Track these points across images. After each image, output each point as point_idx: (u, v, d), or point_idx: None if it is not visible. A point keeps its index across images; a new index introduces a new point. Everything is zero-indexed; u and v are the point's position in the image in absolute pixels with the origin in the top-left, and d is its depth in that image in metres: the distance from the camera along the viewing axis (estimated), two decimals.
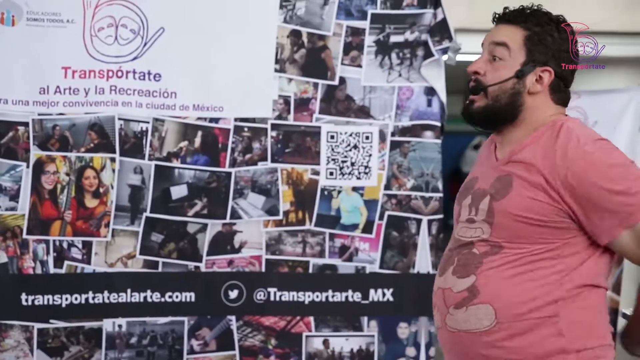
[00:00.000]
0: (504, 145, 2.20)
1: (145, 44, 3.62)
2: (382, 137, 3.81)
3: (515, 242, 2.08)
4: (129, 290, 3.65)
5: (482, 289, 2.08)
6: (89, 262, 3.63)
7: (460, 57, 4.01)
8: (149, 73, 3.63)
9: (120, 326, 3.65)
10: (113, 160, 3.61)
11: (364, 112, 3.81)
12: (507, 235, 2.09)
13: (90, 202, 3.62)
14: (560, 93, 2.19)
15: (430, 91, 3.84)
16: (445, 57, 3.83)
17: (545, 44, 2.15)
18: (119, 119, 3.62)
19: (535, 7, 2.21)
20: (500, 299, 2.06)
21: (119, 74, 3.59)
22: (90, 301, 3.62)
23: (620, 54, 7.89)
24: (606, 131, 4.68)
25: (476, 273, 2.10)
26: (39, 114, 3.57)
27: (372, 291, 3.82)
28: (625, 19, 7.48)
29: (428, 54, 3.79)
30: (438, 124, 3.86)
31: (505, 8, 2.22)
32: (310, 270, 3.79)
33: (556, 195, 2.05)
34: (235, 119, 3.71)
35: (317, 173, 3.78)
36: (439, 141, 3.87)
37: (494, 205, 2.11)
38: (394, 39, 3.80)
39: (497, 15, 2.23)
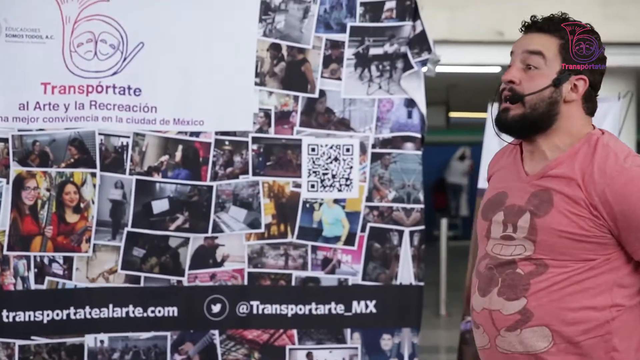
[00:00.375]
0: (535, 156, 2.20)
1: (125, 59, 3.62)
2: (363, 149, 3.83)
3: (559, 260, 2.10)
4: (110, 306, 3.64)
5: (535, 312, 2.10)
6: (70, 278, 3.61)
7: (439, 69, 4.04)
8: (129, 88, 3.63)
9: (102, 342, 3.63)
10: (94, 175, 3.60)
11: (344, 125, 3.82)
12: (552, 252, 2.10)
13: (71, 218, 3.61)
14: (591, 102, 2.21)
15: (410, 103, 3.86)
16: (424, 69, 3.85)
17: (579, 52, 2.17)
18: (99, 134, 3.61)
19: (565, 15, 2.23)
20: (554, 320, 2.09)
21: (99, 89, 3.59)
22: (72, 317, 3.60)
23: None
24: None
25: (526, 296, 2.10)
26: (19, 130, 3.56)
27: (355, 303, 3.82)
28: (602, 30, 7.56)
29: (407, 66, 3.81)
30: (418, 135, 3.88)
31: (534, 17, 2.23)
32: (293, 283, 3.79)
33: (595, 211, 2.08)
34: (216, 133, 3.71)
35: (298, 186, 3.79)
36: (419, 152, 3.88)
37: (536, 222, 2.11)
38: (373, 51, 3.82)
39: (526, 24, 2.23)
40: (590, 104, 2.21)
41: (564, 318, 2.09)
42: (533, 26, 2.21)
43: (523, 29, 2.24)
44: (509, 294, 2.12)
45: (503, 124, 2.19)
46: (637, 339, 2.12)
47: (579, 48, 2.16)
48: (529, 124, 2.16)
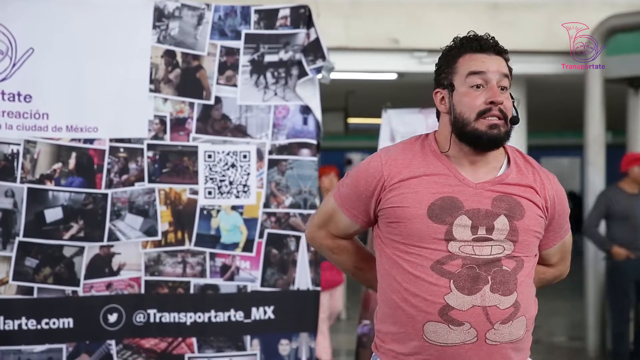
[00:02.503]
0: (477, 166, 2.38)
1: (14, 65, 3.55)
2: (260, 155, 3.84)
3: (530, 256, 2.39)
4: (1, 318, 3.55)
5: (522, 303, 2.34)
6: None
7: (335, 75, 4.08)
8: (19, 94, 3.56)
9: None
10: None
11: (240, 131, 3.83)
12: (527, 250, 2.38)
13: None
14: None
15: (305, 110, 3.89)
16: (319, 76, 3.89)
17: (511, 71, 2.42)
18: None
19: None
20: (529, 309, 2.38)
21: None
22: None
23: None
24: None
25: (516, 290, 2.33)
26: None
27: (254, 309, 3.83)
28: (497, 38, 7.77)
29: (302, 73, 3.85)
30: (314, 141, 3.92)
31: (487, 34, 2.39)
32: (192, 291, 3.77)
33: (546, 212, 2.42)
34: (111, 140, 3.67)
35: (195, 192, 3.77)
36: (315, 159, 3.92)
37: (517, 225, 2.34)
38: (268, 58, 3.84)
39: (483, 44, 2.38)
40: None
41: (532, 306, 2.40)
42: (493, 48, 2.38)
43: (478, 46, 2.37)
44: (504, 290, 2.31)
45: (500, 141, 2.36)
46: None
47: (510, 70, 2.41)
48: (506, 140, 2.39)
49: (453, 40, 2.43)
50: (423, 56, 7.70)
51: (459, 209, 2.33)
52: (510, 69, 2.39)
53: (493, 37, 2.40)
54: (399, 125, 4.92)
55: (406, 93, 9.84)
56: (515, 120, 2.35)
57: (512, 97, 2.38)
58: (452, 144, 2.38)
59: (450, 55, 2.40)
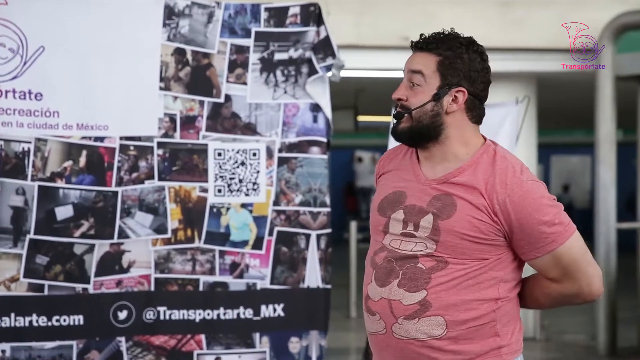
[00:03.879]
0: (433, 162, 2.39)
1: (25, 63, 3.56)
2: (270, 153, 3.85)
3: (459, 258, 2.32)
4: (12, 315, 3.56)
5: (434, 303, 2.31)
6: None
7: (345, 73, 4.08)
8: (30, 92, 3.57)
9: (3, 352, 3.56)
10: None
11: (250, 129, 3.83)
12: (453, 252, 2.32)
13: None
14: (476, 110, 2.39)
15: (315, 107, 3.89)
16: (329, 74, 3.89)
17: (456, 66, 2.35)
18: None
19: (447, 32, 2.39)
20: (450, 311, 2.32)
21: None
22: None
23: (498, 69, 8.14)
24: None
25: (427, 288, 2.31)
26: None
27: (263, 307, 3.84)
28: (502, 36, 7.76)
29: (312, 71, 3.85)
30: (324, 139, 3.92)
31: (422, 35, 2.39)
32: (201, 288, 3.78)
33: (495, 217, 2.32)
34: (121, 138, 3.68)
35: (205, 190, 3.78)
36: (325, 157, 3.92)
37: (439, 224, 2.32)
38: (278, 56, 3.85)
39: (412, 43, 2.40)
40: (475, 112, 2.40)
41: (458, 309, 2.32)
42: (416, 46, 2.39)
43: (412, 47, 2.40)
44: (410, 286, 2.31)
45: (396, 135, 2.39)
46: (513, 325, 2.39)
47: (455, 62, 2.35)
48: (416, 135, 2.36)
49: None
50: None
51: (400, 204, 2.38)
52: (440, 62, 2.33)
53: (436, 33, 2.39)
54: None
55: None
56: (396, 116, 2.37)
57: (436, 95, 2.33)
58: None
59: None
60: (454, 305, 2.32)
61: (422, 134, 2.35)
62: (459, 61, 2.35)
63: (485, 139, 2.44)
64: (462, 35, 2.40)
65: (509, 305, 2.37)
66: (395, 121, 2.39)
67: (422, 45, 2.36)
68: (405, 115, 2.35)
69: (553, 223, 2.31)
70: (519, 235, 2.32)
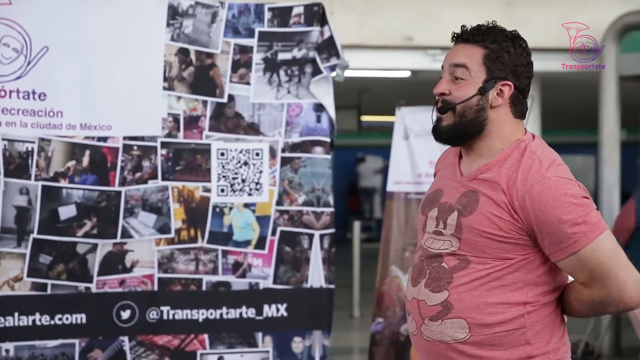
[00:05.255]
0: (471, 158, 2.32)
1: (29, 63, 3.56)
2: (273, 153, 3.85)
3: (480, 257, 2.22)
4: (16, 314, 3.57)
5: (455, 305, 2.22)
6: None
7: (351, 73, 4.08)
8: (34, 92, 3.57)
9: (7, 351, 3.56)
10: None
11: (253, 129, 3.83)
12: (474, 250, 2.23)
13: None
14: (520, 105, 2.31)
15: (319, 107, 3.89)
16: (333, 74, 3.89)
17: (503, 60, 2.27)
18: (3, 139, 3.55)
19: (492, 25, 2.31)
20: (472, 313, 2.21)
21: (2, 93, 3.53)
22: None
23: None
24: None
25: (448, 289, 2.23)
26: None
27: (266, 307, 3.84)
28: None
29: (316, 71, 3.85)
30: (327, 139, 3.92)
31: (463, 26, 2.31)
32: (204, 288, 3.79)
33: (516, 214, 2.20)
34: (124, 138, 3.68)
35: (208, 190, 3.79)
36: (328, 156, 3.92)
37: (462, 221, 2.24)
38: (281, 56, 3.85)
39: (455, 35, 2.32)
40: (518, 107, 2.31)
41: (481, 312, 2.21)
42: (460, 37, 2.30)
43: (453, 39, 2.32)
44: (434, 286, 2.25)
45: (437, 133, 2.31)
46: (549, 333, 2.24)
47: (502, 56, 2.27)
48: (460, 131, 2.28)
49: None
50: (437, 54, 7.68)
51: (437, 202, 2.33)
52: (486, 55, 2.26)
53: (479, 25, 2.31)
54: (413, 123, 4.91)
55: (420, 91, 9.82)
56: (440, 110, 2.27)
57: (482, 89, 2.25)
58: None
59: None
60: (476, 308, 2.21)
61: (465, 131, 2.27)
62: (506, 55, 2.27)
63: (526, 132, 2.34)
64: (504, 28, 2.32)
65: (543, 311, 2.23)
66: (435, 118, 2.30)
67: (468, 36, 2.28)
68: (448, 111, 2.27)
69: (575, 222, 2.16)
70: (541, 234, 2.19)
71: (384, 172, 15.93)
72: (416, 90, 9.69)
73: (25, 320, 3.58)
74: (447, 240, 2.26)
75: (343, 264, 7.95)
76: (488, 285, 2.21)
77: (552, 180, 2.20)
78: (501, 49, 2.26)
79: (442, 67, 2.32)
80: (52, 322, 3.61)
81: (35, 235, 3.58)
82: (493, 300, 2.20)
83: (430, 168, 4.84)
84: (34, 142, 3.58)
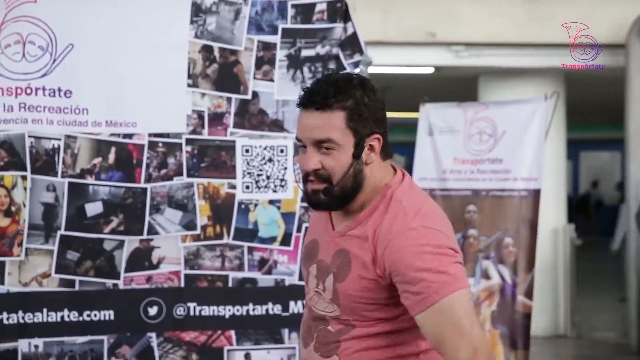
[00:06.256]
0: (342, 211, 2.18)
1: (54, 61, 3.59)
2: (297, 150, 3.84)
3: (362, 322, 2.13)
4: (45, 310, 3.60)
5: None
6: (2, 282, 3.56)
7: (373, 70, 4.08)
8: (59, 90, 3.60)
9: (36, 347, 3.59)
10: (24, 178, 3.56)
11: (277, 126, 3.84)
12: (354, 314, 2.14)
13: (2, 221, 3.55)
14: (386, 148, 2.18)
15: None
16: (356, 70, 3.89)
17: (364, 115, 2.12)
18: (29, 136, 3.57)
19: (333, 77, 2.15)
20: None
21: (28, 91, 3.56)
22: (5, 322, 3.55)
23: (527, 65, 8.12)
24: (514, 140, 4.83)
25: (338, 353, 2.15)
26: None
27: (292, 303, 3.84)
28: (529, 31, 7.72)
29: (340, 68, 3.85)
30: None
31: (307, 90, 2.14)
32: (230, 284, 3.80)
33: (380, 271, 2.09)
34: (150, 134, 3.70)
35: (233, 187, 3.80)
36: None
37: (337, 287, 2.13)
38: (305, 53, 3.85)
39: (302, 102, 2.14)
40: (386, 150, 2.19)
41: None
42: (311, 105, 2.11)
43: (301, 105, 2.15)
44: (323, 351, 2.16)
45: (319, 206, 2.15)
46: None
47: (362, 111, 2.11)
48: (343, 200, 2.14)
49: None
50: (460, 50, 7.68)
51: (315, 257, 2.22)
52: (348, 117, 2.09)
53: (324, 85, 2.11)
54: (437, 120, 4.90)
55: (443, 87, 9.80)
56: (325, 193, 2.09)
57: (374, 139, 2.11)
58: None
59: None
60: None
61: (347, 197, 2.13)
62: (364, 107, 2.11)
63: (395, 171, 2.21)
64: (346, 75, 2.16)
65: (435, 354, 2.11)
66: (310, 191, 2.12)
67: (321, 104, 2.09)
68: (331, 187, 2.10)
69: (437, 271, 2.02)
70: (402, 285, 2.05)
71: (409, 170, 15.90)
72: (439, 86, 9.69)
73: (53, 317, 3.61)
74: (328, 304, 2.16)
75: None
76: (377, 345, 2.13)
77: (416, 230, 2.07)
78: (358, 104, 2.11)
79: (298, 138, 2.16)
80: (81, 319, 3.64)
81: (62, 231, 3.61)
82: (384, 357, 2.13)
83: (455, 164, 4.83)
84: (60, 139, 3.61)
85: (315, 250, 2.22)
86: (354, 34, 3.86)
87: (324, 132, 2.10)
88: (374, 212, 2.14)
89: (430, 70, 8.67)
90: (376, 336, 2.13)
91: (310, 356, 2.19)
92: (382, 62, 6.86)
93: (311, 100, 2.12)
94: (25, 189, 3.56)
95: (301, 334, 2.23)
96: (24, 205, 3.56)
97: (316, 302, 2.18)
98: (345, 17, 3.86)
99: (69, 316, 3.63)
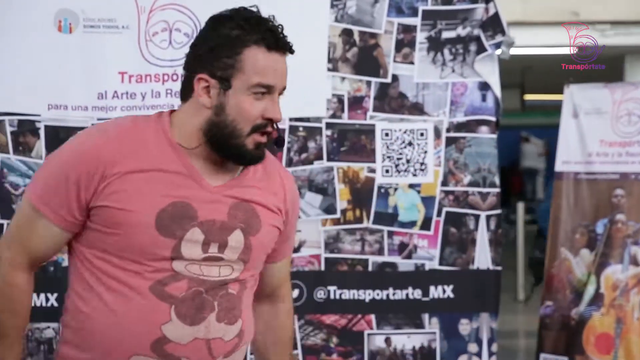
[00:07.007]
0: (219, 165, 2.01)
1: None
2: (437, 133, 3.80)
3: (254, 274, 2.06)
4: None
5: (245, 331, 2.03)
6: None
7: (514, 51, 3.99)
8: None
9: None
10: None
11: (417, 109, 3.80)
12: (256, 270, 2.06)
13: None
14: None
15: (484, 86, 3.82)
16: (498, 52, 3.81)
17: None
18: None
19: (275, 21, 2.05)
20: (250, 336, 2.07)
21: (174, 77, 3.63)
22: None
23: None
24: None
25: (241, 317, 2.01)
26: (98, 119, 3.62)
27: (432, 288, 3.81)
28: None
29: (481, 49, 3.78)
30: (493, 118, 3.84)
31: (274, 30, 2.04)
32: (370, 268, 3.79)
33: (284, 216, 2.09)
34: (290, 119, 3.73)
35: (373, 171, 3.79)
36: (494, 136, 3.85)
37: (251, 241, 1.99)
38: (446, 34, 3.79)
39: (282, 45, 2.05)
40: None
41: (252, 330, 2.09)
42: (286, 48, 2.06)
43: (274, 44, 2.03)
44: (230, 318, 1.97)
45: (257, 160, 2.03)
46: None
47: None
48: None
49: (234, 16, 2.03)
50: (606, 29, 7.40)
51: (192, 220, 1.92)
52: None
53: (283, 28, 2.02)
54: (583, 101, 4.73)
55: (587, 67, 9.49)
56: (281, 143, 2.04)
57: None
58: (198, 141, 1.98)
59: (234, 40, 1.98)
60: (252, 328, 2.08)
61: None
62: None
63: None
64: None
65: None
66: (262, 143, 2.01)
67: (290, 49, 2.07)
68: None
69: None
70: (286, 232, 2.11)
71: (548, 154, 15.55)
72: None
73: None
74: (227, 266, 1.96)
75: (505, 246, 7.83)
76: (251, 301, 2.07)
77: (292, 176, 2.19)
78: None
79: (267, 84, 2.01)
80: None
81: None
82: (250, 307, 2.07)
83: (601, 147, 4.67)
84: (281, 129, 3.66)
85: (191, 211, 1.93)
86: (496, 15, 3.77)
87: (286, 79, 2.06)
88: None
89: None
90: (253, 287, 2.09)
91: (209, 330, 1.94)
92: (523, 43, 6.69)
93: (286, 43, 2.04)
94: None
95: (186, 314, 1.91)
96: None
97: (209, 270, 1.94)
98: None
99: None
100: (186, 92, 2.04)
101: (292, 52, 2.06)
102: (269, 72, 2.00)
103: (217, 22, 2.05)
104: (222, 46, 1.99)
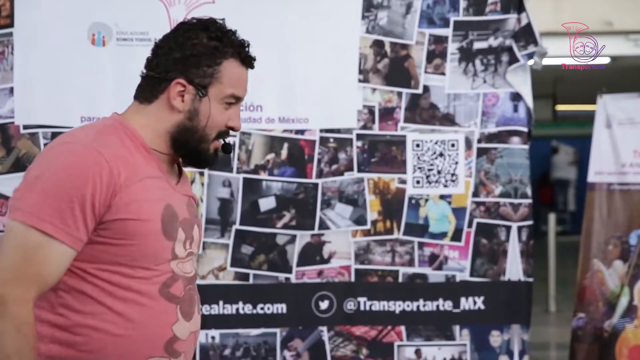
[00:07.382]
0: (169, 164, 2.11)
1: None
2: (468, 144, 3.79)
3: None
4: (221, 302, 3.70)
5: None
6: None
7: (546, 61, 3.96)
8: None
9: (213, 337, 3.70)
10: (202, 174, 3.67)
11: (448, 120, 3.79)
12: None
13: None
14: None
15: (516, 97, 3.81)
16: (530, 62, 3.79)
17: None
18: None
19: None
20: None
21: None
22: None
23: None
24: None
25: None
26: None
27: (463, 299, 3.79)
28: None
29: (513, 60, 3.76)
30: (525, 129, 3.82)
31: (247, 46, 2.16)
32: (400, 280, 3.78)
33: None
34: (321, 130, 3.73)
35: (403, 182, 3.78)
36: (526, 147, 3.83)
37: (200, 234, 2.16)
38: (477, 45, 3.78)
39: (252, 61, 2.19)
40: None
41: None
42: (252, 64, 2.18)
43: (248, 59, 2.17)
44: (199, 309, 2.13)
45: (211, 163, 2.14)
46: None
47: None
48: None
49: (209, 27, 2.10)
50: (639, 39, 7.34)
51: (176, 221, 2.01)
52: None
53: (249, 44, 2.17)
54: (616, 111, 4.69)
55: (620, 78, 9.43)
56: (229, 150, 2.12)
57: None
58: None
59: (213, 50, 2.08)
60: None
61: None
62: None
63: None
64: None
65: None
66: (217, 148, 2.11)
67: (253, 64, 2.18)
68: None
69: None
70: None
71: (579, 163, 15.41)
72: (615, 77, 9.31)
73: (229, 309, 3.71)
74: (192, 261, 2.09)
75: (536, 257, 7.77)
76: None
77: None
78: None
79: (238, 96, 2.13)
80: (255, 311, 3.72)
81: (237, 226, 3.70)
82: None
83: (635, 157, 4.63)
84: (235, 136, 3.70)
85: (175, 213, 2.02)
86: (529, 25, 3.75)
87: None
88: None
89: (607, 60, 8.35)
90: None
91: (196, 323, 2.07)
92: (555, 53, 6.65)
93: (253, 59, 2.17)
94: (202, 184, 3.68)
95: (184, 312, 2.01)
96: (202, 201, 3.67)
97: (186, 267, 2.04)
98: (519, 8, 3.77)
99: (243, 309, 3.71)
100: (152, 94, 2.08)
101: (252, 67, 2.18)
102: (241, 84, 2.13)
103: (192, 30, 2.10)
104: (203, 55, 2.06)
